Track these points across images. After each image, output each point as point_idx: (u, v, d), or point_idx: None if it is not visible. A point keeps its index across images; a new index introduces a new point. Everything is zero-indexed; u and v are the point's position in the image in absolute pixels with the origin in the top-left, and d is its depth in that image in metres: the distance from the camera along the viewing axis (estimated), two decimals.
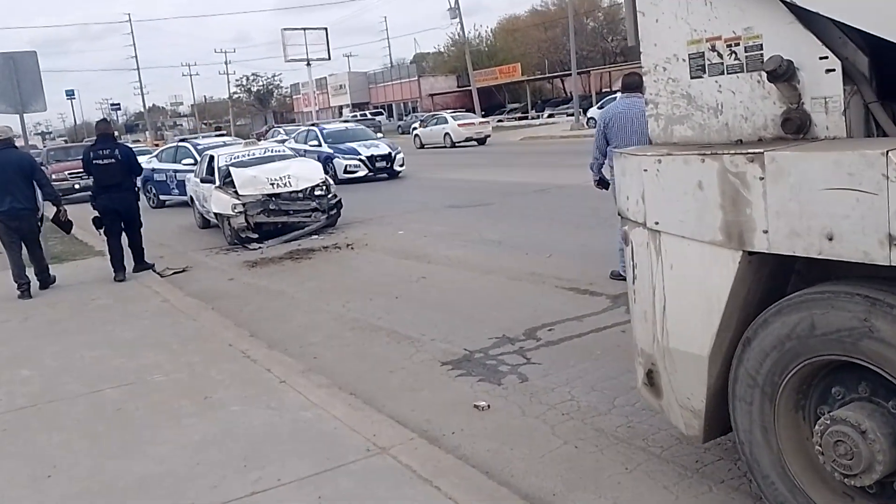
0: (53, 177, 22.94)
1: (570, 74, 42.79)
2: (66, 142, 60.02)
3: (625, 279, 6.69)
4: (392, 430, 3.92)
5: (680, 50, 3.09)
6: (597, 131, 6.46)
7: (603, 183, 6.66)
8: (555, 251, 8.35)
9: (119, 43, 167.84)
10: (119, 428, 4.27)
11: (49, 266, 8.86)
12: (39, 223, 8.68)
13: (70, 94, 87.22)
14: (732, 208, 2.62)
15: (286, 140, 21.97)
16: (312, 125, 22.74)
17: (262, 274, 9.09)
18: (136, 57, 74.71)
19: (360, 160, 19.03)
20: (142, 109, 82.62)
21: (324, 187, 11.69)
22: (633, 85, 6.19)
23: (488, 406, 4.37)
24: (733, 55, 2.92)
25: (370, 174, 18.99)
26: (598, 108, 33.61)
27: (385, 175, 19.35)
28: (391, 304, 6.95)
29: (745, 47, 2.82)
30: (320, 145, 19.97)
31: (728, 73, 2.95)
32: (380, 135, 26.18)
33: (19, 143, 9.67)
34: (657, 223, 3.04)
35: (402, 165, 19.72)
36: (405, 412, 4.40)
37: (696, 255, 2.88)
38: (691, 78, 3.07)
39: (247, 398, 4.46)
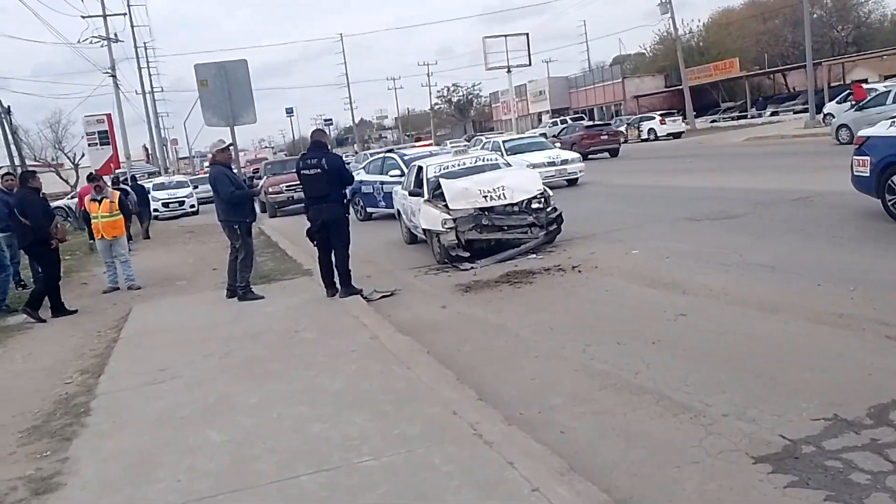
0: (270, 189, 23.74)
1: (798, 68, 38.53)
2: (285, 156, 64.07)
3: None
4: None
5: None
6: None
7: None
8: (859, 282, 6.33)
9: (332, 61, 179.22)
10: None
11: (250, 285, 9.05)
12: (228, 232, 9.10)
13: (289, 111, 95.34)
14: None
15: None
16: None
17: (478, 301, 7.88)
18: (346, 74, 78.50)
19: None
20: (351, 124, 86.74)
21: (542, 199, 10.33)
22: None
23: None
24: None
25: None
26: (836, 103, 29.54)
27: None
28: (648, 351, 5.40)
29: None
30: None
31: None
32: None
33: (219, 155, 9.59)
34: None
35: None
36: None
37: None
38: None
39: None
